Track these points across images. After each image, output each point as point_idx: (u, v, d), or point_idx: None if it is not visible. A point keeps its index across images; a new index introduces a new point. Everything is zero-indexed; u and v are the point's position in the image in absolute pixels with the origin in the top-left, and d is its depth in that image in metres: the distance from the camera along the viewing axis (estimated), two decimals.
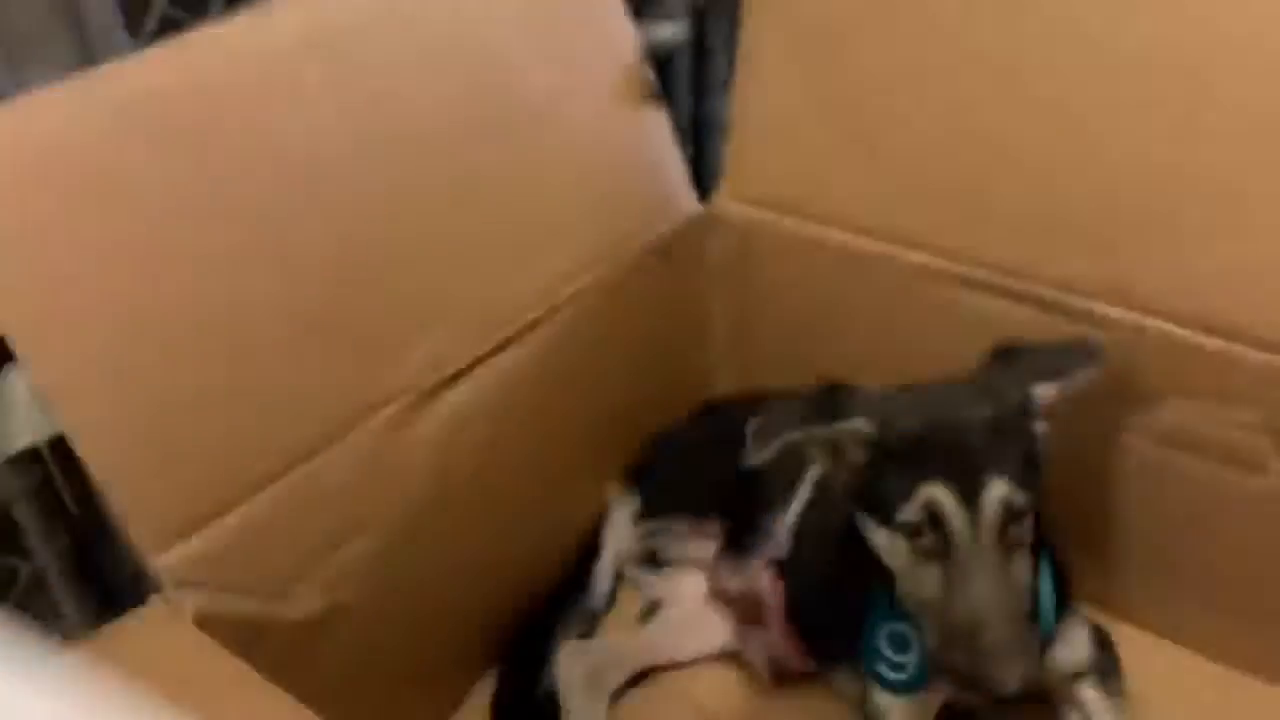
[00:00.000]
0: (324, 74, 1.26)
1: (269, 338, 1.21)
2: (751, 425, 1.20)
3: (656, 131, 1.65)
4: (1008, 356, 1.23)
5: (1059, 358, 1.22)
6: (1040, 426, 1.21)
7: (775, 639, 1.49)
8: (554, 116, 1.50)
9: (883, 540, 1.19)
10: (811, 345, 1.69)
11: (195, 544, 1.13)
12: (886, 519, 1.16)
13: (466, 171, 1.40)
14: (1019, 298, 1.43)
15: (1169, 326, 1.33)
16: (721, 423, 1.69)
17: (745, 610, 1.52)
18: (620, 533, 1.68)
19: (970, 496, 1.11)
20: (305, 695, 1.00)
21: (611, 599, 1.69)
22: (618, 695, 1.53)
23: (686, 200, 1.68)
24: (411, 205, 1.34)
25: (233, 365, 1.18)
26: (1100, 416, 1.44)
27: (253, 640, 1.14)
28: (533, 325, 1.47)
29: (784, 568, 1.53)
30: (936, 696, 1.33)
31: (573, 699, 1.47)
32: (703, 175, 1.74)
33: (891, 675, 1.29)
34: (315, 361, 1.25)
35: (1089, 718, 1.38)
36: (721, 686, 1.54)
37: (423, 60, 1.36)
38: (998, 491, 1.12)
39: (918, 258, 1.50)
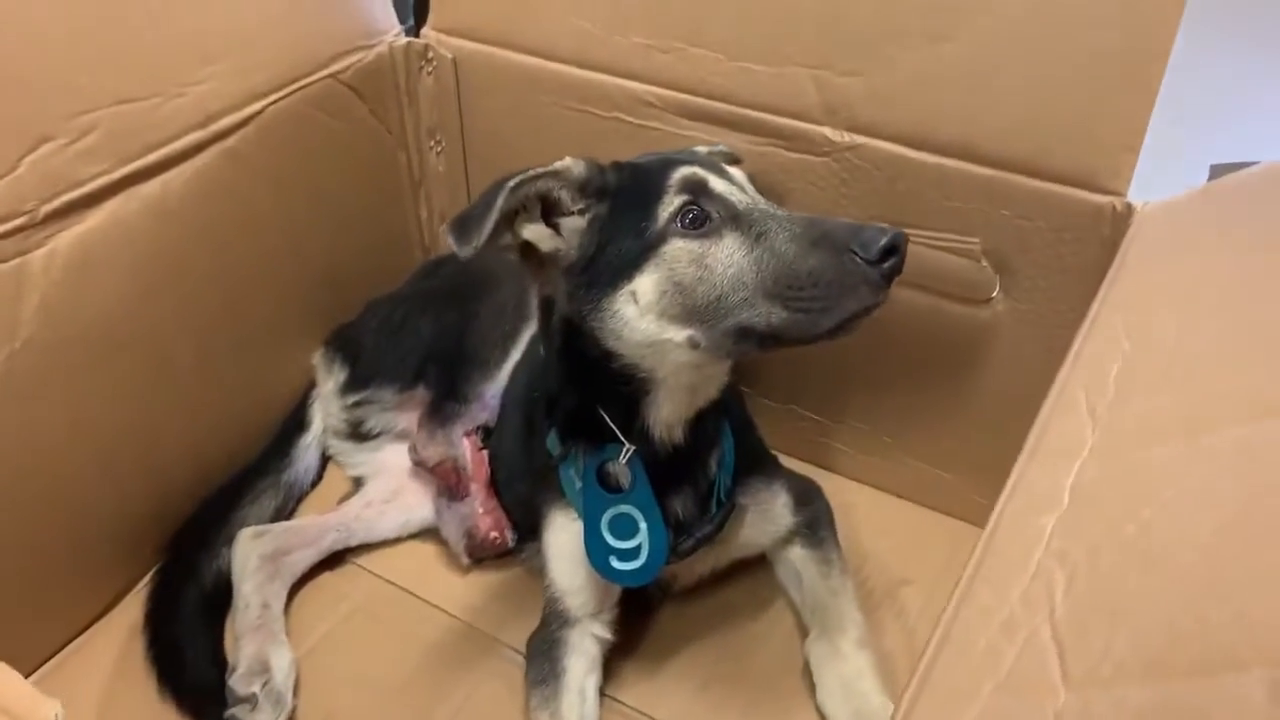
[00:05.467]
0: None
1: None
2: (451, 221, 0.99)
3: None
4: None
5: None
6: None
7: (474, 512, 1.34)
8: None
9: (645, 286, 0.99)
10: None
11: None
12: (640, 249, 0.99)
13: None
14: (737, 125, 1.30)
15: (889, 146, 1.22)
16: (438, 282, 1.54)
17: (445, 482, 1.36)
18: (330, 405, 1.50)
19: (718, 172, 1.04)
20: None
21: (319, 476, 1.51)
22: (305, 579, 1.36)
23: (385, 29, 1.49)
24: None
25: None
26: None
27: None
28: (190, 151, 1.26)
29: (490, 435, 1.38)
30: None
31: (247, 582, 1.29)
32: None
33: (626, 566, 1.11)
34: None
35: (798, 574, 1.29)
36: (417, 566, 1.38)
37: None
38: (739, 173, 1.07)
39: (635, 87, 1.36)
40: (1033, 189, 1.16)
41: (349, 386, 1.47)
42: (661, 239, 0.99)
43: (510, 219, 1.01)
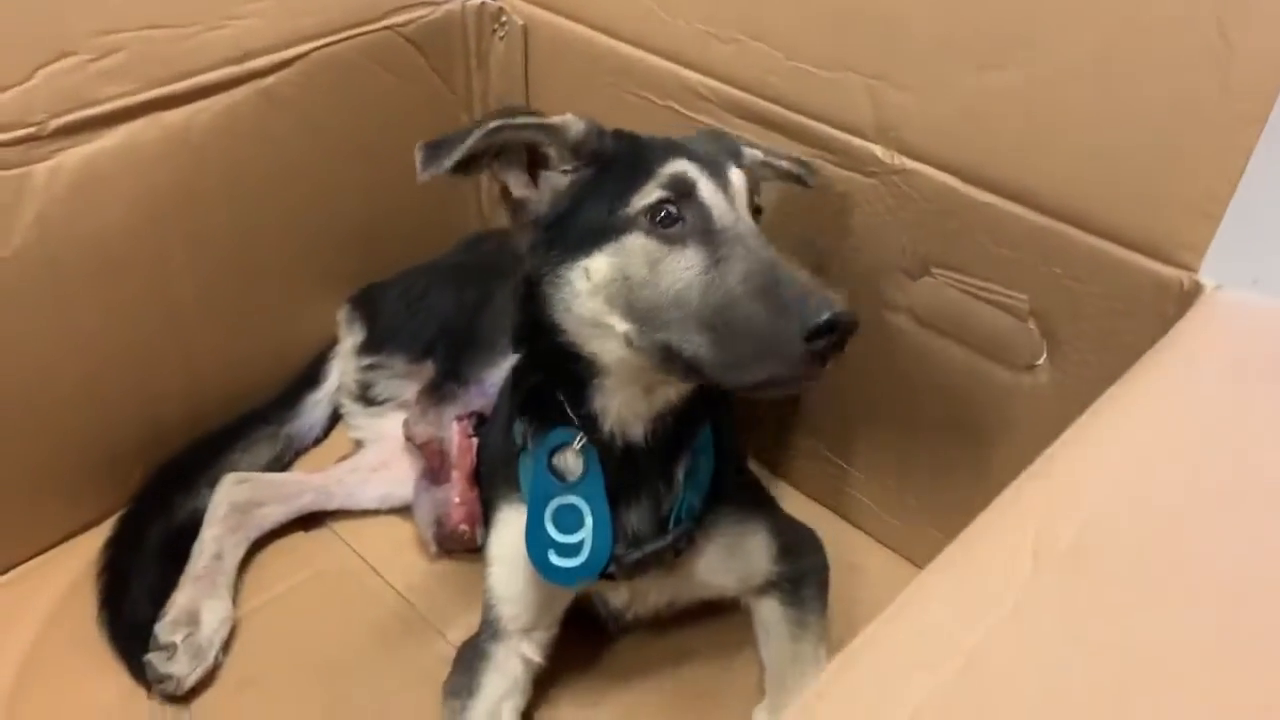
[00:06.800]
0: None
1: None
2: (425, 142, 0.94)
3: None
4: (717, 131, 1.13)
5: (771, 153, 1.11)
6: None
7: (449, 500, 1.27)
8: None
9: (600, 266, 0.93)
10: None
11: None
12: (606, 228, 0.93)
13: None
14: (787, 130, 1.18)
15: (940, 175, 1.08)
16: (471, 257, 1.48)
17: (429, 464, 1.30)
18: (346, 364, 1.46)
19: (716, 174, 0.95)
20: None
21: (324, 433, 1.48)
22: (275, 535, 1.32)
23: None
24: None
25: None
26: (862, 287, 1.20)
27: None
28: (222, 85, 1.24)
29: (483, 423, 1.31)
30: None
31: (210, 528, 1.26)
32: None
33: (565, 563, 1.02)
34: None
35: (767, 635, 1.16)
36: (389, 543, 1.33)
37: None
38: (737, 176, 0.97)
39: (690, 77, 1.25)
40: (1090, 248, 0.99)
41: (364, 348, 1.42)
42: (627, 226, 0.93)
43: (493, 157, 0.97)
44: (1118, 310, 1.00)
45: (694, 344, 0.88)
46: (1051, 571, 0.63)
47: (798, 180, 1.13)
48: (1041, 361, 1.08)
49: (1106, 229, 0.98)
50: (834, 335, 0.82)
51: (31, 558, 1.29)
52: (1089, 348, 1.04)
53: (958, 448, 1.21)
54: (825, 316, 0.81)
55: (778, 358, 0.84)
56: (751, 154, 1.08)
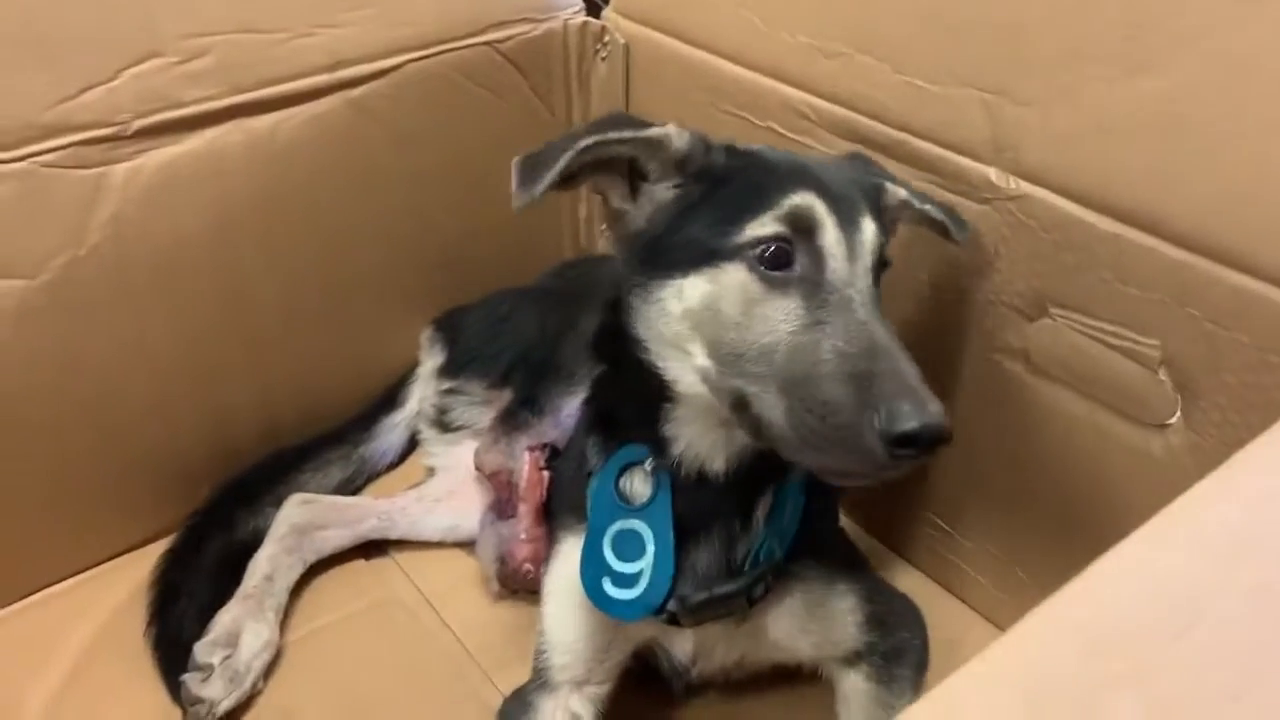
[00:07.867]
0: None
1: None
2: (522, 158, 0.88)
3: None
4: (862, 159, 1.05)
5: (918, 195, 0.99)
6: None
7: (514, 536, 1.19)
8: None
9: (694, 290, 0.85)
10: None
11: None
12: (709, 251, 0.85)
13: None
14: (893, 151, 1.08)
15: (1061, 201, 0.95)
16: (559, 283, 1.41)
17: (497, 494, 1.22)
18: (425, 387, 1.41)
19: (846, 219, 0.85)
20: None
21: (400, 458, 1.42)
22: (335, 561, 1.27)
23: (563, 5, 1.38)
24: None
25: None
26: (969, 327, 1.08)
27: None
28: (309, 94, 1.21)
29: (556, 456, 1.22)
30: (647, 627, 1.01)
31: (266, 548, 1.22)
32: None
33: (621, 594, 0.93)
34: None
35: (848, 712, 1.03)
36: (451, 578, 1.26)
37: None
38: (870, 225, 0.86)
39: (791, 94, 1.17)
40: (1235, 287, 0.85)
41: (444, 371, 1.37)
42: (732, 254, 0.84)
43: (592, 169, 0.90)
44: (1269, 362, 0.85)
45: (768, 405, 0.80)
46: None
47: (943, 232, 0.99)
48: (1175, 419, 0.94)
49: (1254, 264, 0.84)
50: (918, 446, 0.73)
51: (94, 565, 1.26)
52: (1231, 405, 0.89)
53: (1074, 516, 1.06)
54: (912, 426, 0.72)
55: (855, 453, 0.75)
56: (895, 192, 0.96)
